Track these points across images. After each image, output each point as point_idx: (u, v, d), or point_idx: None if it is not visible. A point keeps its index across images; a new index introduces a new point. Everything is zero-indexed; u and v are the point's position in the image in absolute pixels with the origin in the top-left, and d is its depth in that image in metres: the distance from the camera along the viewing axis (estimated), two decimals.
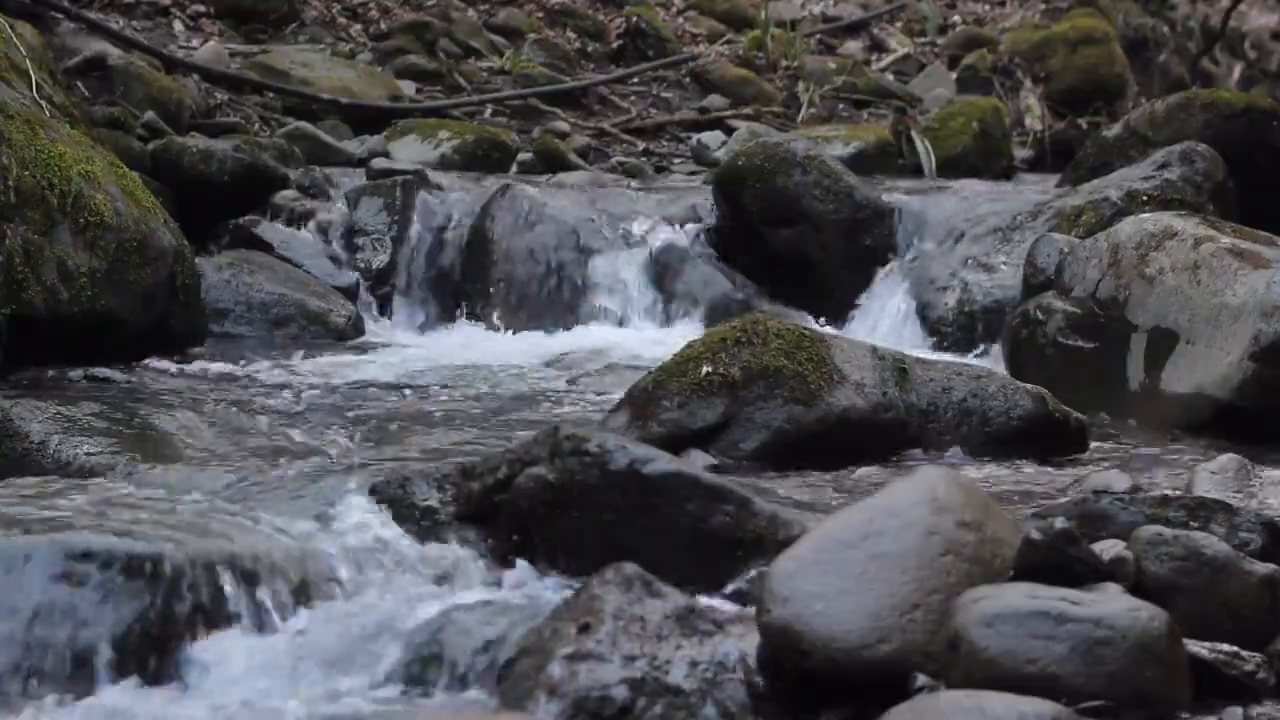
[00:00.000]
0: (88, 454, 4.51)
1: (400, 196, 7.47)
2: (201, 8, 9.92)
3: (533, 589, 3.42)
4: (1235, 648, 3.09)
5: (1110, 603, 2.93)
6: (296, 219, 7.38)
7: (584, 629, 3.00)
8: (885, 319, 6.95)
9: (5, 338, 5.56)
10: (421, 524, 3.66)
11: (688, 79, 10.57)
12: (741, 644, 3.04)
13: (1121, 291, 5.55)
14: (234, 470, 4.33)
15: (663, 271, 7.25)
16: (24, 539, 3.23)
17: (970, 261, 6.86)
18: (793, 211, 7.22)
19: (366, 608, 3.35)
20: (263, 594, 3.33)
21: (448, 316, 7.24)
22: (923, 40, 11.83)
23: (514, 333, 7.01)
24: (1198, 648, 3.04)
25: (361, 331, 6.92)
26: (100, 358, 5.69)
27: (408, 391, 5.71)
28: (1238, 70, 12.95)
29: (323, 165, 7.94)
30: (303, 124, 8.58)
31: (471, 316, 7.18)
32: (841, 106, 10.47)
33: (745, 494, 3.53)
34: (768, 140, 7.88)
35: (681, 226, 7.40)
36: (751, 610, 3.11)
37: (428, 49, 10.11)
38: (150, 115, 7.94)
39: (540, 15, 10.95)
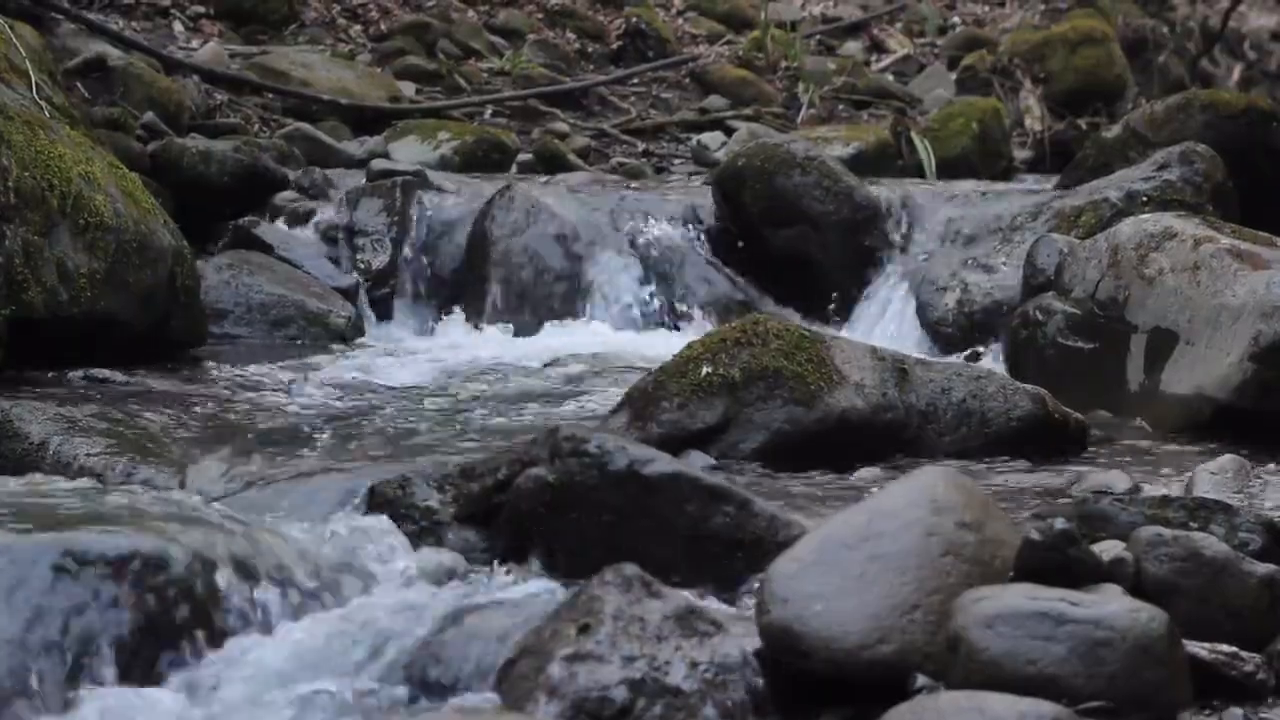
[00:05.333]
0: (88, 454, 4.51)
1: (400, 197, 7.47)
2: (201, 9, 9.92)
3: (533, 589, 3.42)
4: (1235, 648, 3.09)
5: (1110, 603, 2.93)
6: (296, 220, 7.39)
7: (584, 629, 3.00)
8: (885, 319, 6.95)
9: (5, 338, 5.56)
10: (421, 524, 3.66)
11: (687, 80, 10.58)
12: (741, 644, 3.04)
13: (1121, 292, 5.55)
14: (234, 471, 4.33)
15: (663, 272, 7.25)
16: (24, 539, 3.23)
17: (970, 262, 6.86)
18: (793, 212, 7.22)
19: (366, 608, 3.35)
20: (262, 594, 3.33)
21: (448, 317, 7.24)
22: (922, 41, 11.84)
23: (513, 333, 7.01)
24: (1197, 648, 3.05)
25: (361, 332, 6.92)
26: (100, 359, 5.69)
27: (407, 392, 5.71)
28: (1237, 71, 12.95)
29: (322, 166, 7.93)
30: (302, 125, 8.58)
31: (471, 317, 7.18)
32: (841, 107, 10.48)
33: (745, 495, 3.53)
34: (767, 141, 7.88)
35: (681, 227, 7.40)
36: (751, 611, 3.11)
37: (427, 50, 10.11)
38: (150, 116, 7.94)
39: (540, 16, 10.95)
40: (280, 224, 7.34)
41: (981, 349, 6.40)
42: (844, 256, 7.19)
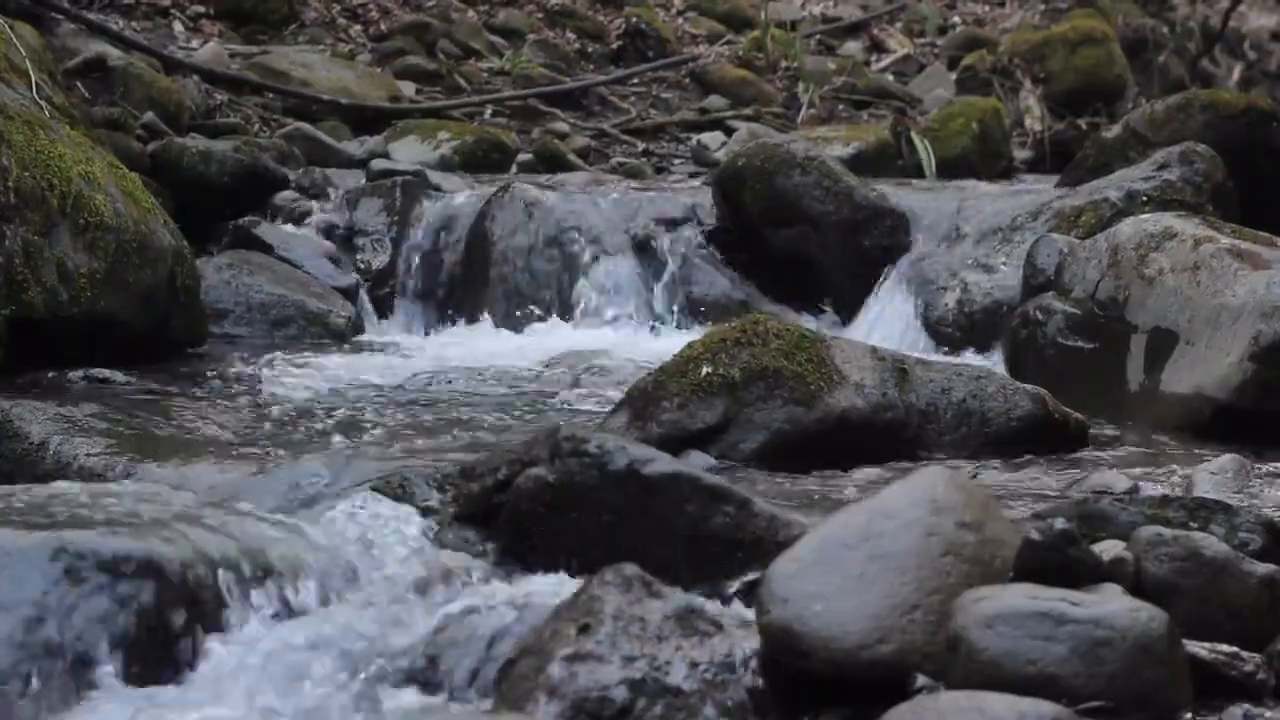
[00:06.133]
0: (88, 454, 4.51)
1: (400, 197, 7.47)
2: (201, 8, 9.92)
3: (533, 589, 3.42)
4: (1235, 648, 3.09)
5: (1110, 603, 2.93)
6: (296, 219, 7.39)
7: (584, 630, 3.00)
8: (885, 319, 6.94)
9: (5, 338, 5.55)
10: (421, 524, 3.66)
11: (687, 80, 10.58)
12: (741, 645, 3.04)
13: (1121, 292, 5.55)
14: (234, 470, 4.33)
15: (663, 272, 7.26)
16: (24, 539, 3.23)
17: (970, 262, 6.86)
18: (793, 212, 7.21)
19: (366, 608, 3.35)
20: (262, 594, 3.33)
21: (447, 317, 7.24)
22: (922, 41, 11.84)
23: (513, 333, 7.01)
24: (1197, 648, 3.04)
25: (361, 332, 6.92)
26: (100, 359, 5.69)
27: (408, 392, 5.71)
28: (1237, 71, 12.95)
29: (322, 166, 7.94)
30: (302, 125, 8.59)
31: (471, 317, 7.18)
32: (841, 107, 10.48)
33: (745, 495, 3.53)
34: (767, 141, 7.88)
35: (681, 227, 7.40)
36: (751, 611, 3.11)
37: (428, 50, 10.11)
38: (150, 116, 7.94)
39: (540, 16, 10.95)
40: (280, 224, 7.34)
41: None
42: (844, 256, 7.19)
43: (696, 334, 6.03)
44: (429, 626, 3.24)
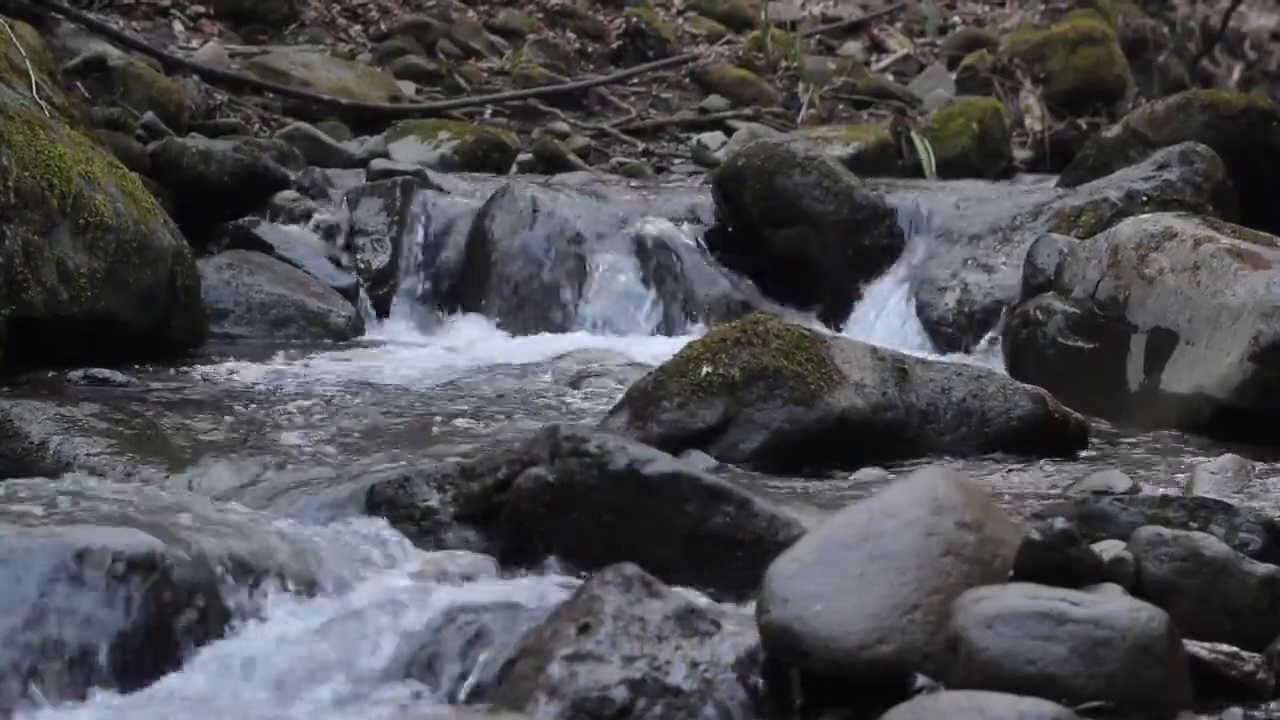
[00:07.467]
0: (88, 454, 4.52)
1: (400, 197, 7.47)
2: (201, 8, 9.92)
3: (533, 589, 3.42)
4: (1235, 648, 3.09)
5: (1110, 603, 2.93)
6: (296, 219, 7.38)
7: (584, 629, 3.00)
8: (885, 319, 6.95)
9: (5, 338, 5.56)
10: (421, 524, 3.66)
11: (687, 80, 10.58)
12: (741, 644, 3.04)
13: (1121, 292, 5.55)
14: (234, 470, 4.33)
15: (663, 272, 7.25)
16: (24, 538, 3.23)
17: (970, 261, 6.86)
18: (793, 212, 7.21)
19: (366, 608, 3.35)
20: (262, 594, 3.33)
21: (447, 317, 7.24)
22: (923, 41, 11.84)
23: (514, 333, 7.01)
24: (1197, 648, 3.05)
25: (361, 332, 6.92)
26: (100, 358, 5.69)
27: (408, 392, 5.71)
28: (1237, 70, 12.95)
29: (323, 166, 7.93)
30: (302, 124, 8.58)
31: (471, 317, 7.18)
32: (841, 107, 10.48)
33: (745, 494, 3.53)
34: (767, 141, 7.88)
35: (681, 227, 7.40)
36: (751, 610, 3.11)
37: (428, 50, 10.11)
38: (150, 116, 7.94)
39: (540, 16, 10.95)
40: (280, 224, 7.34)
41: None
42: (844, 256, 7.19)
43: (696, 334, 6.04)
44: (429, 626, 3.24)
